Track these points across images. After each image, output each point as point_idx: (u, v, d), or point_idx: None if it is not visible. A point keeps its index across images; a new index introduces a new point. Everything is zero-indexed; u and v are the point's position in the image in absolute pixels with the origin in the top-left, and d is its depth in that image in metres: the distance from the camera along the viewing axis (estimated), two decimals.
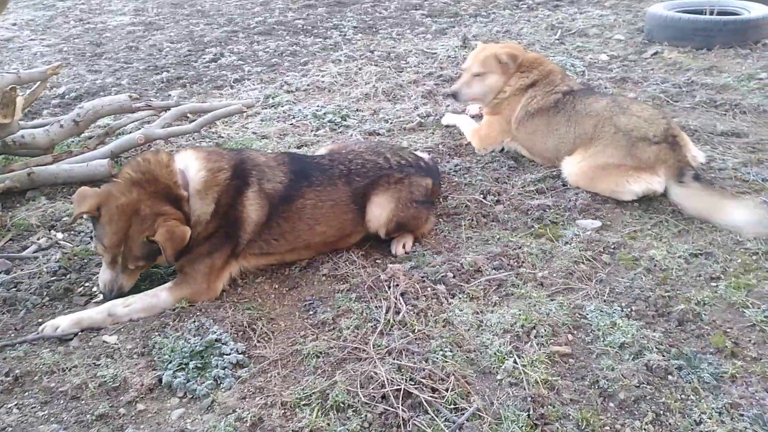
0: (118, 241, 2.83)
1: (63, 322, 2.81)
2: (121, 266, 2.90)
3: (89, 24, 9.27)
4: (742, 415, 2.27)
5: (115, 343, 2.72)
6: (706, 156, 4.08)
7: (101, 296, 3.02)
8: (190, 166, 3.08)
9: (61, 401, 2.43)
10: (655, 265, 3.15)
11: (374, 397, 2.37)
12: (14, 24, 9.31)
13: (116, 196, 2.86)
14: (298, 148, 4.75)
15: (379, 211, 3.37)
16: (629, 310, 2.84)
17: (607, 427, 2.26)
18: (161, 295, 2.96)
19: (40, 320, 2.92)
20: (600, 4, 8.94)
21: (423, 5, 9.54)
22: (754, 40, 6.59)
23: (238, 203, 3.09)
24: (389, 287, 3.04)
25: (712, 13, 6.86)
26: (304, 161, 3.45)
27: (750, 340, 2.65)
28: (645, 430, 2.24)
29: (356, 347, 2.65)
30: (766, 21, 6.67)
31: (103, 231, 2.86)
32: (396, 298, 2.94)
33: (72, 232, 3.67)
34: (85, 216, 3.00)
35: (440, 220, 3.71)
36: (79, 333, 2.79)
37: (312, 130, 5.10)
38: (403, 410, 2.30)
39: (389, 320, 2.81)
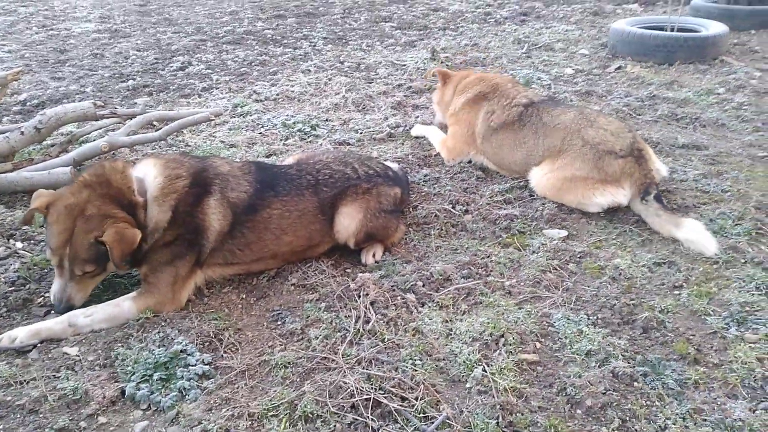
0: (63, 242, 2.76)
1: (21, 333, 2.72)
2: (69, 272, 2.82)
3: (53, 30, 9.09)
4: (704, 420, 2.32)
5: (76, 355, 2.65)
6: (668, 168, 4.18)
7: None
8: (149, 173, 3.03)
9: (18, 415, 2.34)
10: (620, 274, 3.21)
11: (343, 407, 2.35)
12: None
13: (66, 197, 2.83)
14: (267, 157, 4.72)
15: (348, 222, 3.36)
16: (595, 318, 2.88)
17: None
18: (124, 305, 2.89)
19: None
20: (565, 20, 9.14)
21: (393, 18, 9.62)
22: (713, 57, 6.81)
23: (198, 211, 3.04)
24: (359, 296, 3.02)
25: (673, 30, 7.08)
26: (270, 171, 3.42)
27: (712, 347, 2.71)
28: None
29: (325, 357, 2.63)
30: (723, 38, 6.91)
31: (49, 231, 2.81)
32: (366, 308, 2.93)
33: (32, 242, 3.57)
34: (36, 214, 2.93)
35: (410, 229, 3.72)
36: (39, 344, 2.71)
37: (281, 139, 5.07)
38: (372, 420, 2.29)
39: (359, 329, 2.80)
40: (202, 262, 3.11)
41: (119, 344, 2.69)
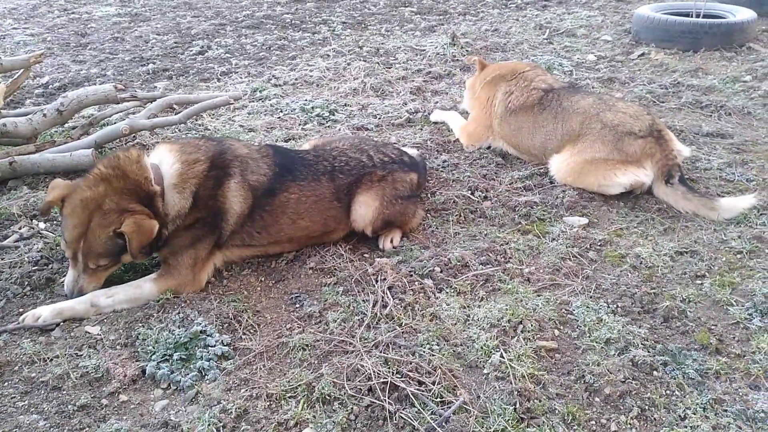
0: (78, 236, 2.76)
1: (44, 312, 2.76)
2: (83, 265, 2.82)
3: (74, 14, 9.14)
4: (725, 410, 2.29)
5: (97, 334, 2.68)
6: (691, 152, 4.14)
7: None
8: (164, 160, 3.02)
9: (42, 391, 2.39)
10: (641, 263, 3.17)
11: (361, 389, 2.36)
12: None
13: (82, 189, 2.81)
14: (286, 141, 4.72)
15: (364, 210, 3.36)
16: (615, 306, 2.85)
17: (593, 422, 2.27)
18: (145, 287, 2.92)
19: (21, 310, 2.87)
20: (588, 5, 9.00)
21: (412, 2, 9.53)
22: (739, 44, 6.67)
23: (219, 194, 3.05)
24: (376, 281, 3.02)
25: (698, 16, 6.94)
26: (288, 155, 3.43)
27: (734, 337, 2.67)
28: (630, 425, 2.25)
29: (343, 340, 2.64)
30: (750, 24, 6.76)
31: (65, 224, 2.81)
32: (383, 292, 2.93)
33: (54, 222, 3.60)
34: (53, 206, 2.92)
35: (428, 215, 3.70)
36: (61, 323, 2.75)
37: (300, 124, 5.07)
38: (389, 403, 2.29)
39: (376, 314, 2.80)
40: (221, 244, 3.13)
41: (140, 324, 2.73)
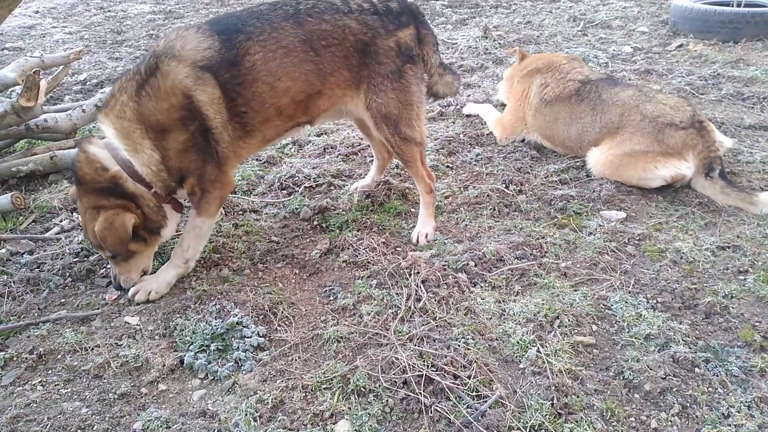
0: (84, 229, 2.88)
1: (154, 285, 2.92)
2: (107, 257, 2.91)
3: (110, 12, 9.32)
4: None
5: (136, 324, 2.73)
6: (733, 143, 4.05)
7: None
8: (107, 131, 2.80)
9: (84, 379, 2.44)
10: (681, 257, 3.09)
11: (395, 382, 2.35)
12: (36, 11, 9.38)
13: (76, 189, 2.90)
14: (317, 136, 4.73)
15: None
16: (655, 301, 2.79)
17: (632, 418, 2.22)
18: (197, 221, 3.00)
19: (62, 300, 2.94)
20: None
21: None
22: None
23: (176, 100, 2.71)
24: (410, 274, 3.01)
25: (739, 5, 6.74)
26: (229, 16, 2.99)
27: None
28: (671, 422, 2.20)
29: (377, 333, 2.64)
30: None
31: None
32: (417, 286, 2.92)
33: None
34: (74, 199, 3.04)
35: (461, 209, 3.67)
36: (101, 313, 2.82)
37: None
38: (424, 396, 2.28)
39: (410, 307, 2.79)
40: (226, 139, 2.88)
41: (178, 315, 2.77)
